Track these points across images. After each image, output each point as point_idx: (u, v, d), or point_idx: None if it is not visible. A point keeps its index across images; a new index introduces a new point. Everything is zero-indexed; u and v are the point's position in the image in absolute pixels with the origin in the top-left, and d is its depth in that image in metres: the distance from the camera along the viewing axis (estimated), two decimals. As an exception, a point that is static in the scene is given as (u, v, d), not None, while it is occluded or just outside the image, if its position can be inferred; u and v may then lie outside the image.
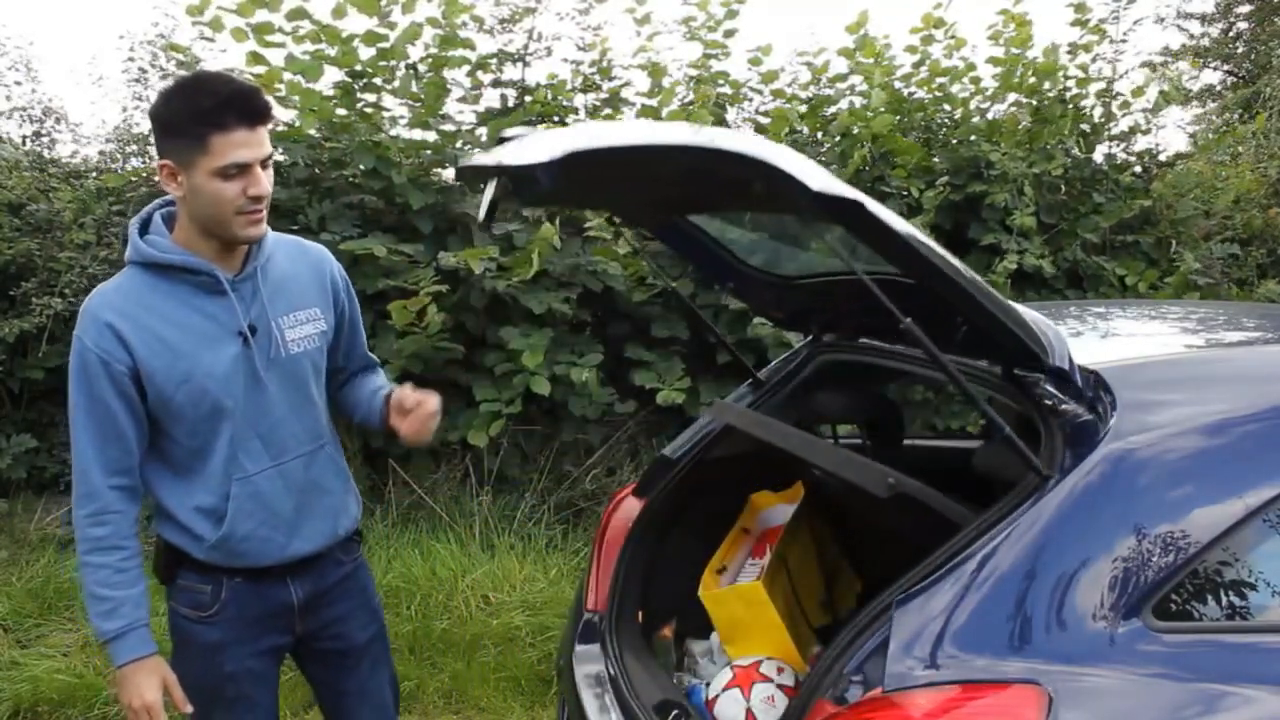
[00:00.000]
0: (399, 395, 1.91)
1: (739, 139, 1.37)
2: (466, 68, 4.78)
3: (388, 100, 4.71)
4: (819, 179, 1.34)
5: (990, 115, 5.50)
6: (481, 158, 1.47)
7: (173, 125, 1.64)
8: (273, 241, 1.83)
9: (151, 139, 4.62)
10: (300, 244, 1.93)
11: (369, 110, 4.62)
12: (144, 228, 1.75)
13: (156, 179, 4.65)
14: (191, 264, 1.70)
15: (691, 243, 2.31)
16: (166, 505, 1.78)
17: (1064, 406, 1.63)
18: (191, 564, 1.80)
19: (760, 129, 5.13)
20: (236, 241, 1.72)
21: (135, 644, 1.71)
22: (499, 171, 1.40)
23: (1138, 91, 5.57)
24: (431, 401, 1.88)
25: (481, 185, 1.57)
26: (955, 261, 1.52)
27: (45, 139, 5.35)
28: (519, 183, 1.30)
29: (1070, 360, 1.61)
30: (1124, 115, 5.64)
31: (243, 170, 1.63)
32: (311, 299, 1.86)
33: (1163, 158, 5.86)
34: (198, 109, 1.61)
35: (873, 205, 1.40)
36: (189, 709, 1.76)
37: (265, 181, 1.66)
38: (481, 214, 1.61)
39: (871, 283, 1.50)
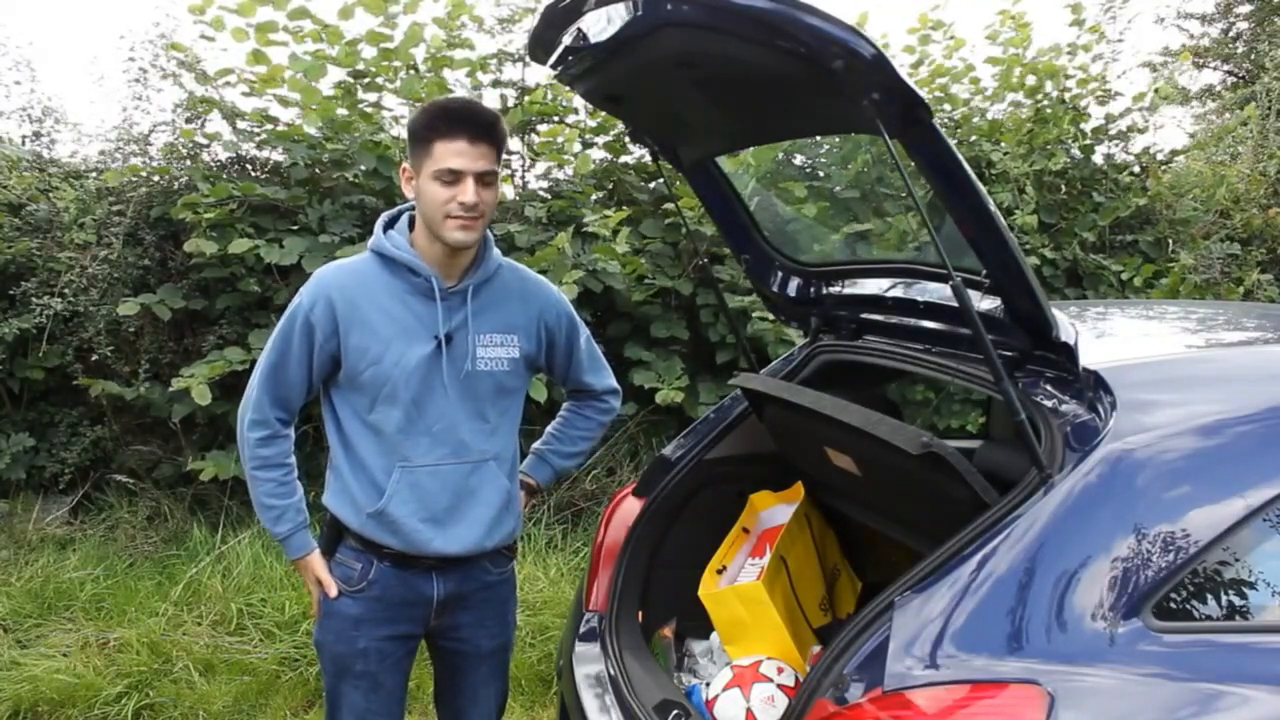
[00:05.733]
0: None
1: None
2: (467, 68, 4.78)
3: (389, 100, 4.71)
4: (900, 70, 1.41)
5: (990, 115, 5.50)
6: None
7: (412, 133, 1.83)
8: (503, 267, 2.00)
9: (152, 139, 4.66)
10: (526, 278, 2.06)
11: (370, 110, 4.62)
12: (391, 223, 1.95)
13: (157, 178, 4.64)
14: (415, 265, 1.88)
15: (720, 197, 2.34)
16: (341, 467, 1.94)
17: (1064, 407, 1.63)
18: (349, 540, 1.96)
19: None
20: (446, 244, 1.85)
21: (299, 544, 1.96)
22: (599, 2, 1.52)
23: (1139, 96, 5.58)
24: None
25: (563, 33, 1.69)
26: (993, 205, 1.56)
27: (45, 139, 5.34)
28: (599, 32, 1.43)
29: (1075, 338, 1.62)
30: (1123, 115, 5.65)
31: (456, 177, 1.78)
32: (515, 326, 1.99)
33: (1160, 157, 5.86)
34: (431, 118, 1.79)
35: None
36: (334, 592, 1.96)
37: (477, 194, 1.79)
38: (551, 60, 1.75)
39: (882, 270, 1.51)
